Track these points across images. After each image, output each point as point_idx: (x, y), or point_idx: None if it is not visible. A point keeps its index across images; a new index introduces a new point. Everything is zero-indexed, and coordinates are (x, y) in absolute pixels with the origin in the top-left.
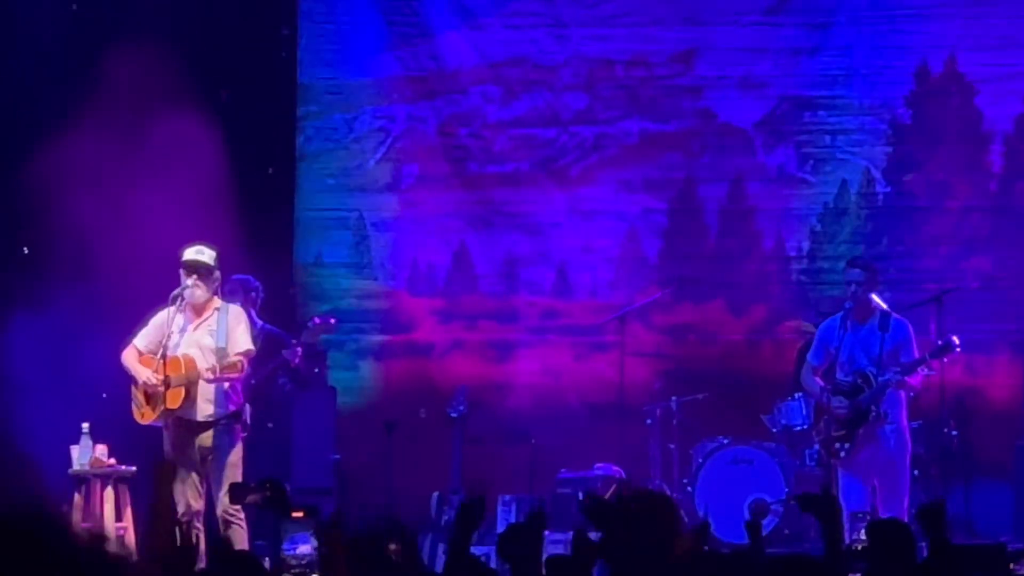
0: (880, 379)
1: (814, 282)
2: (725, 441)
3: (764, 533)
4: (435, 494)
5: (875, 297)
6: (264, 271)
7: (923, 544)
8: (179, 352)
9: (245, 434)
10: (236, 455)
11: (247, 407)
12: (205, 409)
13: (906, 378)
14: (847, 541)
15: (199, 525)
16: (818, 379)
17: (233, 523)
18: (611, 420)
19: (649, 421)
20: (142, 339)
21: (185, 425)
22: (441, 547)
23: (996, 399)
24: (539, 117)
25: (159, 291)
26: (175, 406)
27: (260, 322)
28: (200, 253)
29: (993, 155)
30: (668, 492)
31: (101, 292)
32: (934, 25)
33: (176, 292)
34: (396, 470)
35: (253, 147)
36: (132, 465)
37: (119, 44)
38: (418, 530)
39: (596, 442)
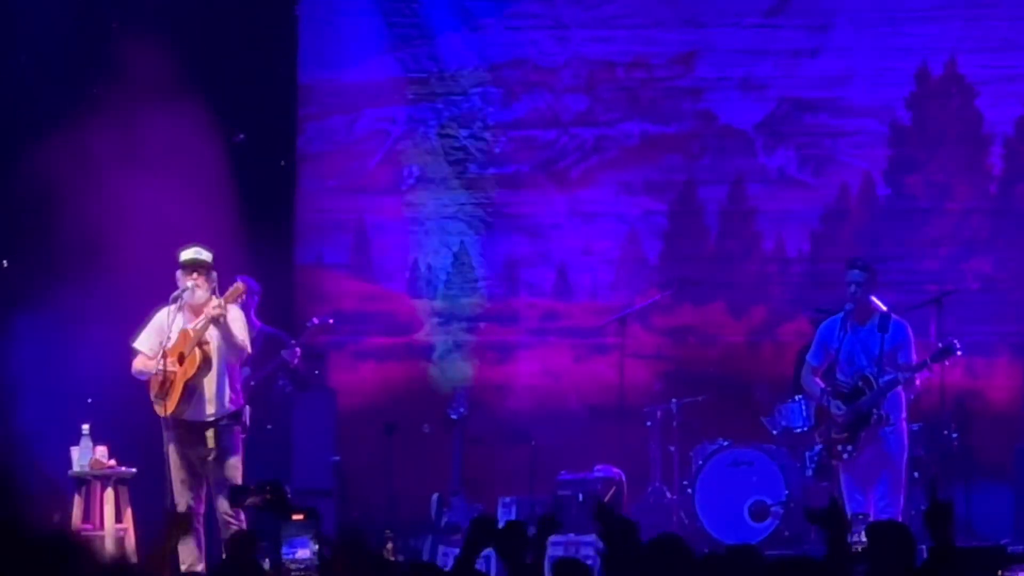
0: (881, 381)
1: (814, 284)
2: (725, 443)
3: (763, 535)
4: (435, 495)
5: (874, 298)
6: (264, 272)
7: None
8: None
9: (244, 435)
10: (236, 456)
11: (247, 408)
12: (206, 409)
13: (914, 378)
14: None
15: (199, 526)
16: (818, 380)
17: (233, 526)
18: (611, 422)
19: (649, 423)
20: (144, 343)
21: (186, 426)
22: (441, 548)
23: (996, 401)
24: (539, 119)
25: (159, 292)
26: (192, 372)
27: (259, 323)
28: (199, 253)
29: (993, 157)
30: (668, 495)
31: (101, 293)
32: (934, 27)
33: (176, 293)
34: (396, 471)
35: (254, 148)
36: (132, 466)
37: (120, 45)
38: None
39: (596, 444)
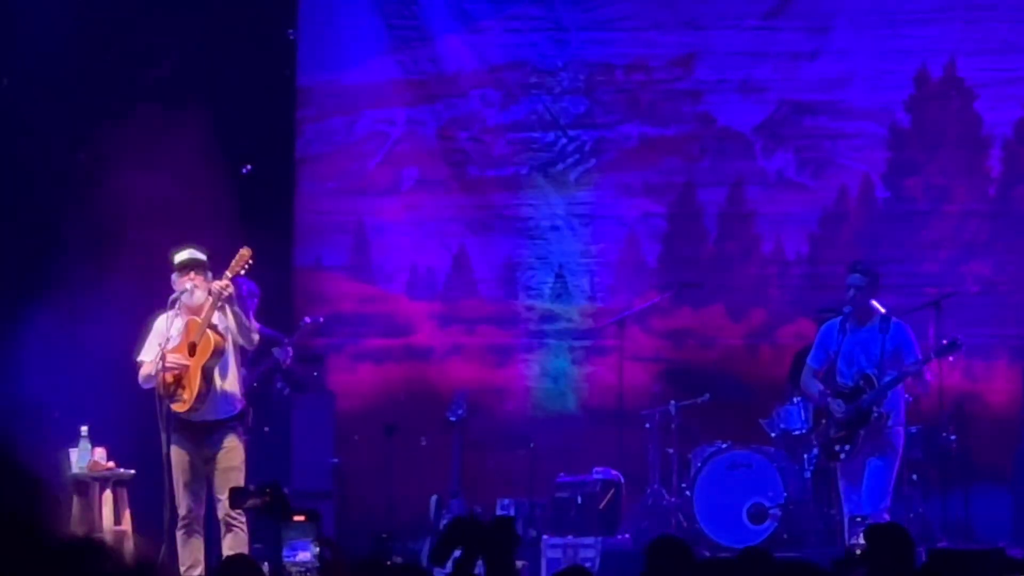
0: (883, 380)
1: (813, 286)
2: (724, 445)
3: (762, 538)
4: (434, 497)
5: (874, 302)
6: (263, 274)
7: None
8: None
9: (247, 437)
10: (239, 458)
11: (249, 409)
12: (211, 411)
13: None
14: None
15: (199, 528)
16: (818, 382)
17: (234, 527)
18: (610, 424)
19: (648, 425)
20: (147, 353)
21: (191, 427)
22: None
23: (995, 404)
24: (538, 121)
25: (158, 294)
26: (207, 356)
27: (258, 325)
28: (194, 253)
29: (992, 160)
30: (666, 497)
31: (100, 294)
32: (934, 29)
33: (174, 296)
34: (395, 474)
35: (253, 150)
36: (131, 468)
37: (120, 48)
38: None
39: (595, 446)
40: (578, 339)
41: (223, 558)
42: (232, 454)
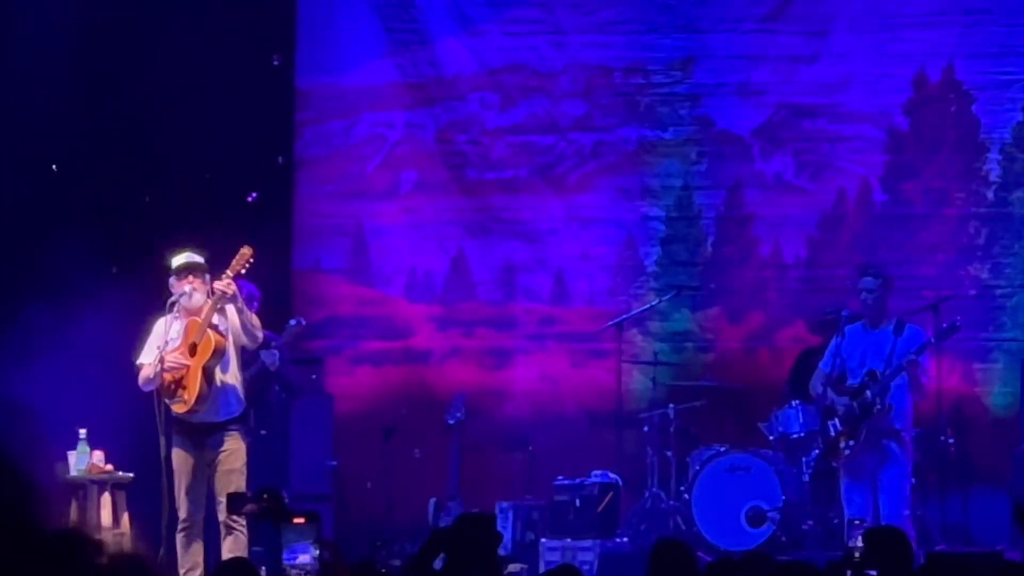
0: (886, 373)
1: (811, 290)
2: (722, 449)
3: (760, 541)
4: (432, 500)
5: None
6: (262, 277)
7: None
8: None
9: (249, 439)
10: (241, 460)
11: (251, 412)
12: (212, 413)
13: (919, 360)
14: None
15: (199, 532)
16: (826, 384)
17: (235, 529)
18: (608, 427)
19: (646, 428)
20: (146, 356)
21: (192, 429)
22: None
23: (993, 407)
24: (537, 124)
25: (157, 297)
26: (208, 356)
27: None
28: (191, 256)
29: (990, 163)
30: (665, 500)
31: (99, 296)
32: (932, 33)
33: (173, 299)
34: (394, 476)
35: (251, 152)
36: (129, 471)
37: (119, 49)
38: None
39: (593, 449)
40: (576, 342)
41: (220, 562)
42: (233, 456)
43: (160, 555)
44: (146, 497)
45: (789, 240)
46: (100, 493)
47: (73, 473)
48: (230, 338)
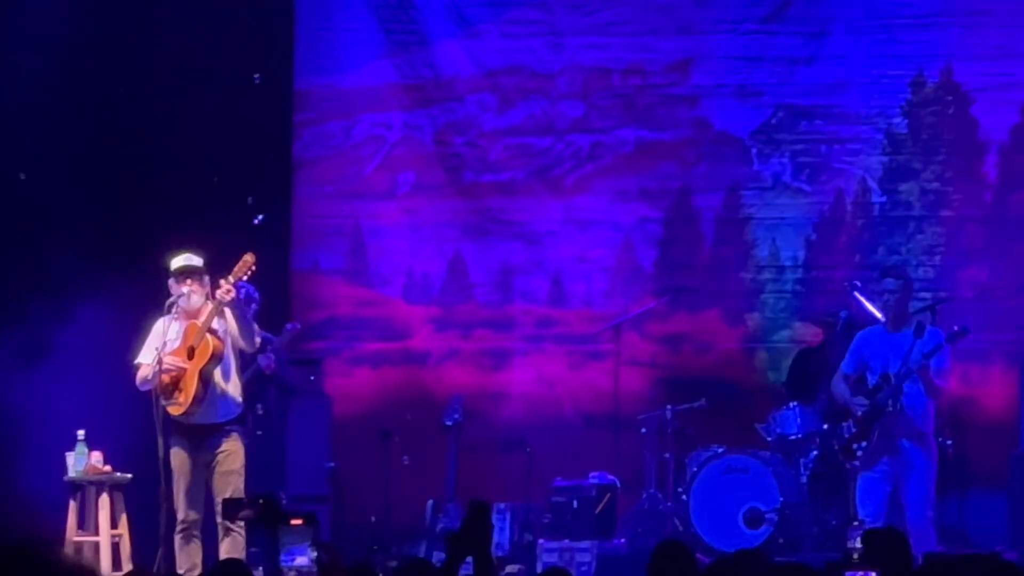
0: (899, 375)
1: (809, 291)
2: (720, 450)
3: (758, 542)
4: (430, 502)
5: (868, 304)
6: (260, 278)
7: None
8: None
9: (247, 440)
10: (239, 461)
11: (249, 413)
12: (215, 413)
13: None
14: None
15: (197, 533)
16: (846, 386)
17: (233, 531)
18: (606, 429)
19: (644, 430)
20: (145, 356)
21: (190, 431)
22: (436, 555)
23: (990, 409)
24: (535, 126)
25: (156, 298)
26: (205, 361)
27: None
28: (190, 259)
29: (988, 165)
30: (663, 502)
31: (98, 298)
32: (930, 34)
33: (171, 301)
34: (392, 478)
35: (250, 154)
36: (128, 472)
37: (117, 51)
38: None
39: (591, 451)
40: (574, 344)
41: (214, 563)
42: (232, 457)
43: (158, 556)
44: (144, 498)
45: (787, 242)
46: (98, 494)
47: (71, 474)
48: (228, 341)
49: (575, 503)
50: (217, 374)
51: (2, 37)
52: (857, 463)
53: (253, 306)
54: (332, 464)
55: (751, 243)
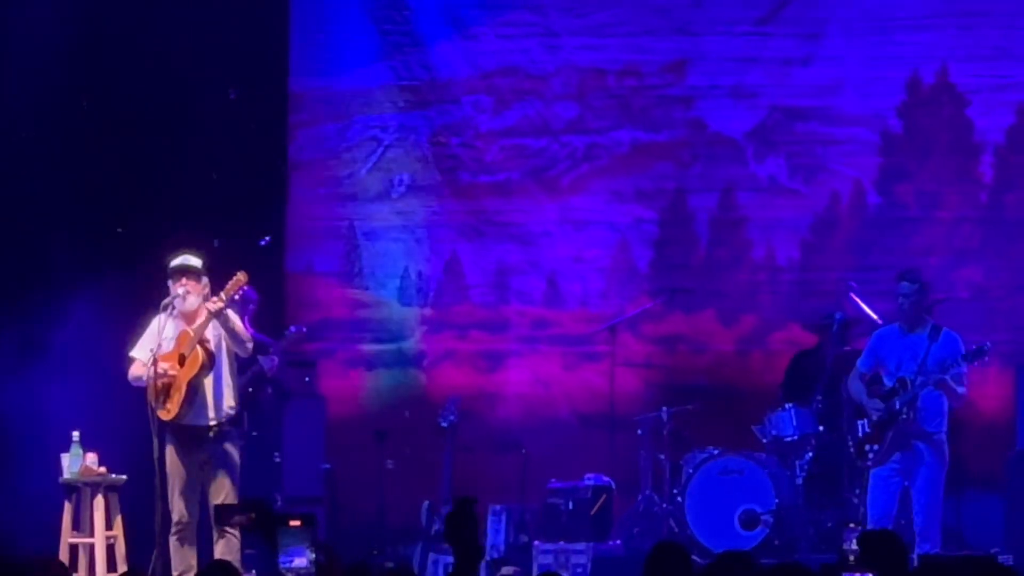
0: (916, 382)
1: (804, 293)
2: (715, 451)
3: (753, 544)
4: (425, 503)
5: (865, 308)
6: (255, 280)
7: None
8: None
9: (242, 442)
10: (235, 462)
11: (244, 414)
12: (208, 413)
13: (948, 379)
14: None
15: (192, 535)
16: (862, 385)
17: (228, 533)
18: (601, 430)
19: (639, 431)
20: (140, 351)
21: (186, 431)
22: (431, 556)
23: (986, 410)
24: (530, 127)
25: (151, 299)
26: (195, 372)
27: (252, 330)
28: (187, 259)
29: (984, 166)
30: (658, 503)
31: (92, 299)
32: (926, 36)
33: (167, 300)
34: (387, 479)
35: (245, 156)
36: (123, 473)
37: (114, 52)
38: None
39: (586, 452)
40: (570, 345)
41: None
42: (227, 459)
43: (153, 557)
44: (139, 500)
45: (782, 243)
46: (93, 495)
47: (66, 475)
48: (223, 346)
49: (571, 504)
50: (207, 381)
51: (2, 37)
52: (869, 463)
53: (251, 306)
54: (327, 466)
55: (746, 244)
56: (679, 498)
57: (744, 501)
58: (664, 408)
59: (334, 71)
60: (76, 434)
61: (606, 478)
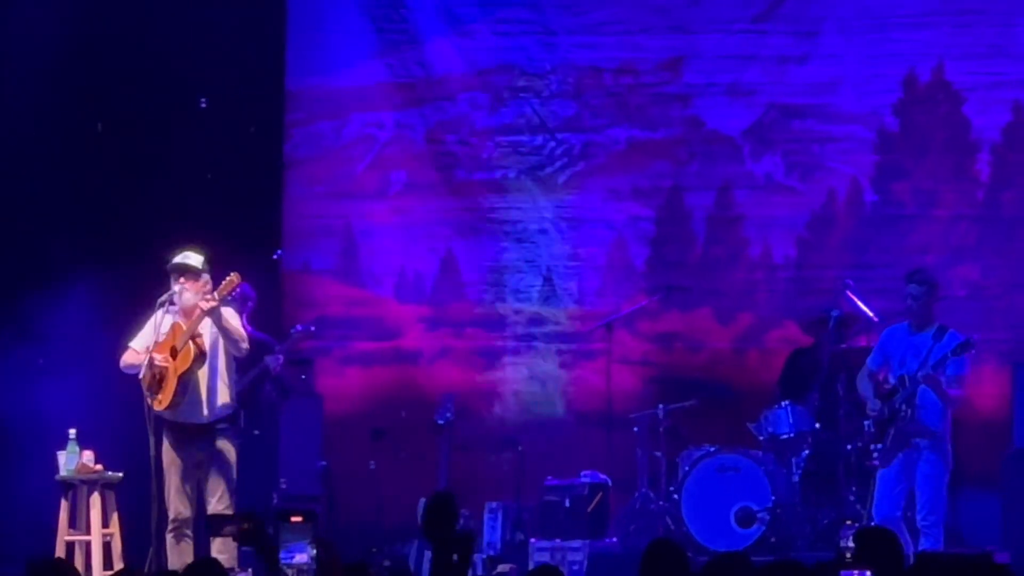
0: (914, 379)
1: (801, 291)
2: (712, 449)
3: (750, 542)
4: (422, 501)
5: (862, 305)
6: (252, 278)
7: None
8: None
9: (239, 440)
10: (232, 460)
11: (241, 412)
12: (202, 411)
13: (940, 379)
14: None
15: (189, 532)
16: (870, 383)
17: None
18: (598, 427)
19: (636, 428)
20: (139, 342)
21: (181, 428)
22: (427, 554)
23: (983, 408)
24: (527, 124)
25: (148, 298)
26: (185, 366)
27: (250, 328)
28: (187, 257)
29: (980, 164)
30: (654, 501)
31: (90, 297)
32: (922, 34)
33: (163, 297)
34: (383, 477)
35: (241, 154)
36: (119, 471)
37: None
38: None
39: (583, 449)
40: (566, 342)
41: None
42: (223, 457)
43: (149, 555)
44: (136, 497)
45: (779, 241)
46: (90, 493)
47: (63, 473)
48: (219, 343)
49: (567, 502)
50: (201, 376)
51: (2, 37)
52: (875, 463)
53: (249, 304)
54: (323, 463)
55: (743, 242)
56: (675, 495)
57: (740, 498)
58: (660, 405)
59: (330, 69)
60: (72, 432)
61: (602, 475)
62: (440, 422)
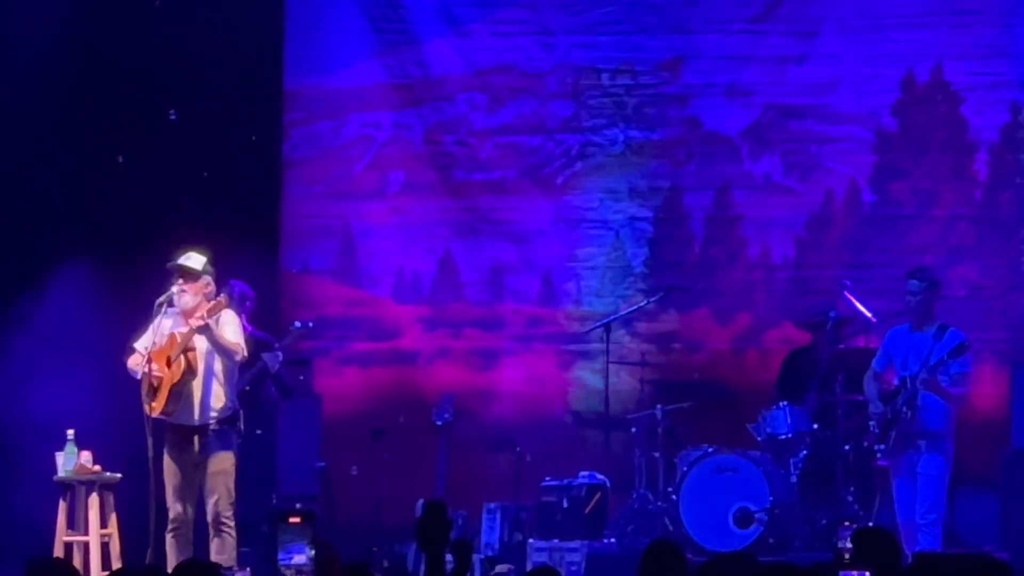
0: (916, 381)
1: (799, 291)
2: (710, 449)
3: (748, 542)
4: (420, 501)
5: (860, 306)
6: (250, 278)
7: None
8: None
9: (239, 441)
10: (230, 461)
11: (241, 412)
12: (201, 413)
13: (938, 379)
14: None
15: (187, 533)
16: (875, 384)
17: (223, 531)
18: (596, 428)
19: (634, 429)
20: (142, 343)
21: (176, 430)
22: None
23: (981, 408)
24: (525, 125)
25: (146, 298)
26: (177, 378)
27: (250, 328)
28: (187, 259)
29: (979, 164)
30: (652, 501)
31: (87, 298)
32: (921, 34)
33: (162, 298)
34: (382, 477)
35: (239, 153)
36: (117, 472)
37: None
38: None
39: (581, 450)
40: (564, 343)
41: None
42: (221, 457)
43: (148, 556)
44: (134, 497)
45: (777, 241)
46: (88, 494)
47: (61, 474)
48: (208, 355)
49: (565, 502)
50: (195, 385)
51: (2, 37)
52: (882, 462)
53: (248, 303)
54: (322, 464)
55: (741, 242)
56: (673, 496)
57: (738, 499)
58: (659, 406)
59: (329, 69)
60: (71, 432)
61: (600, 476)
62: (438, 422)
